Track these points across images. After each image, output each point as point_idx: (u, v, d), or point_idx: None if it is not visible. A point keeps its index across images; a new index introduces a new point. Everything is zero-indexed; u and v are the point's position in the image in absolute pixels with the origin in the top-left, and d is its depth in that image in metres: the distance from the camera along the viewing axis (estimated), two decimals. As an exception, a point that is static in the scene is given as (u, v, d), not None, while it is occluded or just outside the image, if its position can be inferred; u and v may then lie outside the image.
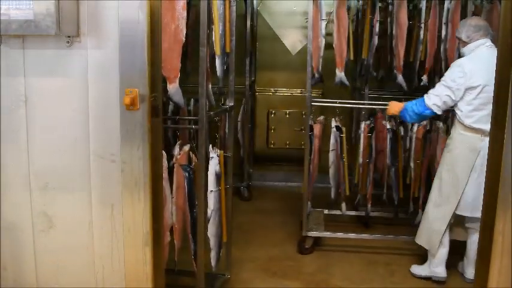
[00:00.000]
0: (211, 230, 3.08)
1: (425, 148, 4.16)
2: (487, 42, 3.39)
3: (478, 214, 2.43)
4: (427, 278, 3.63)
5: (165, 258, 2.77)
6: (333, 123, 4.15)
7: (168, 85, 2.83)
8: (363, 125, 4.30)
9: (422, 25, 4.04)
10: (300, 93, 5.86)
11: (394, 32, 4.11)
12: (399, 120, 4.15)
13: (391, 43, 4.26)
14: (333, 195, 4.32)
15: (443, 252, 3.55)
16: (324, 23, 3.89)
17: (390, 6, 4.21)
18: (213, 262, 3.16)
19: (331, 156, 4.20)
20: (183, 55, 2.88)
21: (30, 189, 2.50)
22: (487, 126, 3.23)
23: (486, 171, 2.25)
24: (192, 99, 4.64)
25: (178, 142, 3.08)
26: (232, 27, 3.19)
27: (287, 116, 5.89)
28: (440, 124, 4.03)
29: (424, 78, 4.18)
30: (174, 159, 2.96)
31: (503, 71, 2.14)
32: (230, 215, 3.35)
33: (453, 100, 3.35)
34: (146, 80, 2.31)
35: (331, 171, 4.24)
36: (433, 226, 3.52)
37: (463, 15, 3.94)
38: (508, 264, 2.17)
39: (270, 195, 5.60)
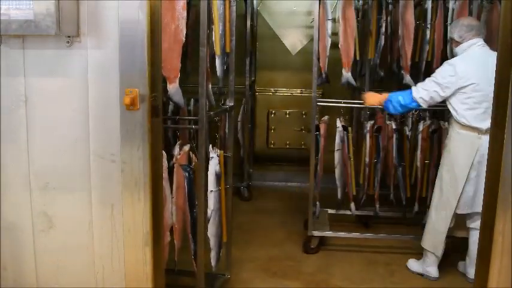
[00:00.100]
0: (211, 230, 3.08)
1: (432, 148, 4.13)
2: (479, 41, 3.42)
3: (478, 209, 2.43)
4: (420, 274, 3.67)
5: (165, 258, 2.78)
6: (339, 123, 4.11)
7: (168, 85, 2.84)
8: (368, 125, 4.26)
9: (429, 25, 4.00)
10: (300, 93, 5.86)
11: (400, 32, 4.06)
12: (400, 120, 4.14)
13: (391, 43, 4.26)
14: (339, 195, 4.27)
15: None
16: (330, 23, 3.88)
17: (390, 6, 4.21)
18: (213, 262, 3.16)
19: (337, 156, 4.16)
20: (183, 55, 2.88)
21: (30, 189, 2.50)
22: (483, 124, 3.26)
23: (486, 171, 2.25)
24: (192, 99, 4.64)
25: (178, 142, 3.08)
26: (232, 27, 3.19)
27: (287, 116, 5.88)
28: (446, 124, 4.01)
29: None
30: (174, 159, 2.96)
31: (503, 71, 2.13)
32: (230, 215, 3.35)
33: (441, 96, 3.37)
34: (146, 80, 2.30)
35: (337, 171, 4.20)
36: (437, 229, 3.53)
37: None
38: (508, 264, 2.16)
39: (270, 195, 5.60)
